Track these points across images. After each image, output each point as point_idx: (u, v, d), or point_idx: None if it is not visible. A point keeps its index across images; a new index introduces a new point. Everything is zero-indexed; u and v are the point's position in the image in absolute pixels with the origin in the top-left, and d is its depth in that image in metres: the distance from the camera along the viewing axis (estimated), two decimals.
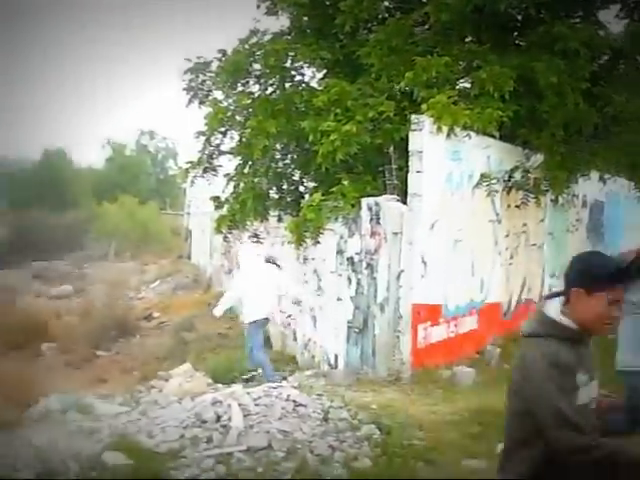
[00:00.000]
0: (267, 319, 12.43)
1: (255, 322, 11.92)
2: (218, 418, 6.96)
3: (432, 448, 6.98)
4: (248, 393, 7.60)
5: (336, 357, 12.21)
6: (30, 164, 76.38)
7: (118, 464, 6.23)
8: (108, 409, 9.14)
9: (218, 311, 12.73)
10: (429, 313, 10.62)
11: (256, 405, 7.23)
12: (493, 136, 11.00)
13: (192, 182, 14.91)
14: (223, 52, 13.66)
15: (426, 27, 12.16)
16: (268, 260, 12.80)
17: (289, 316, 15.48)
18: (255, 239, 14.75)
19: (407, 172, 10.28)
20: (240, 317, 20.53)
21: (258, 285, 11.86)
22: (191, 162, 14.29)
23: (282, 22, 13.71)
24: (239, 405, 7.13)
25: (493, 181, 11.51)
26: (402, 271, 10.10)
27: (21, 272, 38.09)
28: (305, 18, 13.28)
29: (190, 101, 14.03)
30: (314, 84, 13.08)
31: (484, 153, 11.52)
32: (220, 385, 10.16)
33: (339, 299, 11.52)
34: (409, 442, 7.01)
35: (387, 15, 12.76)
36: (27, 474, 5.95)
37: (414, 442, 7.04)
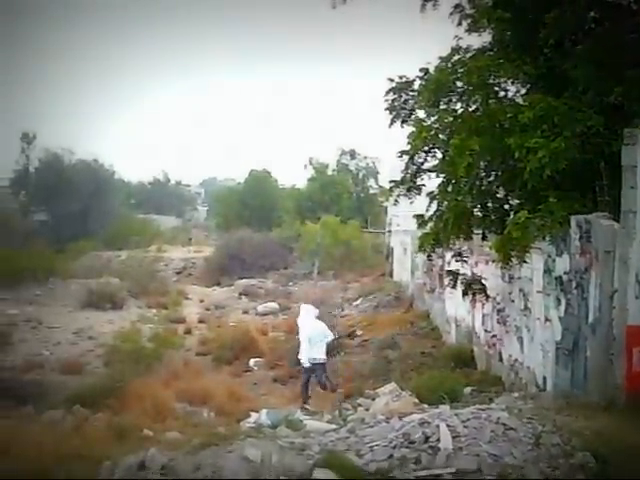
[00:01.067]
0: None
1: None
2: (426, 439, 6.91)
3: None
4: (456, 414, 7.51)
5: (544, 379, 11.87)
6: (237, 185, 79.82)
7: None
8: (317, 426, 9.33)
9: None
10: None
11: (465, 427, 7.12)
12: None
13: (396, 201, 15.01)
14: (425, 71, 13.69)
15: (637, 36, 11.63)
16: None
17: (494, 336, 15.22)
18: (459, 258, 14.65)
19: (619, 188, 9.83)
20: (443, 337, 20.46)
21: None
22: (395, 181, 14.40)
23: (484, 38, 13.58)
24: (447, 426, 7.06)
25: None
26: (615, 291, 9.66)
27: (229, 289, 39.75)
28: (508, 33, 13.06)
29: (393, 121, 14.15)
30: (518, 99, 12.82)
31: None
32: (426, 405, 10.10)
33: (547, 319, 11.20)
34: (627, 472, 6.67)
35: (594, 25, 12.31)
36: None
37: (631, 472, 6.69)
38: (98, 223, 62.65)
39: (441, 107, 13.21)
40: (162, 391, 16.83)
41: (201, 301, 35.45)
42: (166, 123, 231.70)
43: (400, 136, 14.17)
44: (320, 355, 16.86)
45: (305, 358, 16.74)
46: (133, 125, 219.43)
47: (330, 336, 17.66)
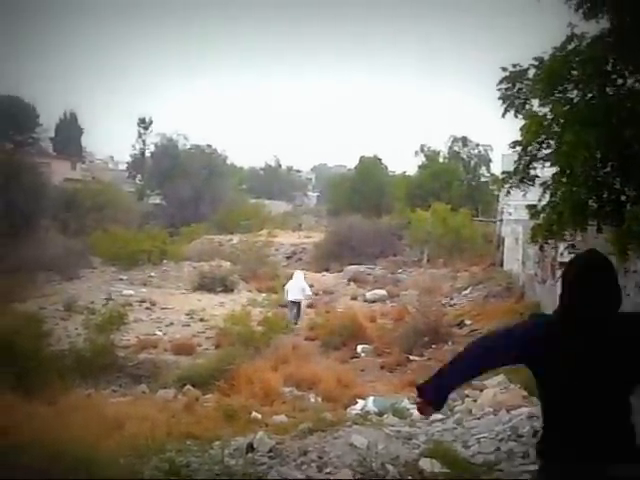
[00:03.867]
0: None
1: None
2: (535, 433, 6.88)
3: None
4: None
5: None
6: (347, 171, 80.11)
7: (434, 471, 6.37)
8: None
9: None
10: None
11: None
12: None
13: (508, 192, 14.80)
14: (540, 59, 13.43)
15: None
16: None
17: None
18: (572, 250, 14.36)
19: None
20: None
21: None
22: (507, 172, 14.20)
23: (602, 25, 13.21)
24: None
25: None
26: None
27: (338, 275, 40.00)
28: (627, 19, 12.67)
29: (506, 110, 13.94)
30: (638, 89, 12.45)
31: None
32: (535, 398, 10.00)
33: None
34: None
35: None
36: (347, 474, 6.25)
37: None
38: (210, 207, 64.15)
39: (556, 96, 12.96)
40: (271, 374, 17.18)
41: (310, 286, 35.88)
42: (278, 109, 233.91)
43: (513, 123, 13.98)
44: (296, 297, 27.23)
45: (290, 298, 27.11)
46: (246, 111, 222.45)
47: (308, 290, 28.41)
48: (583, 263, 4.28)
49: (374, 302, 31.87)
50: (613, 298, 4.17)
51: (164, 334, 25.74)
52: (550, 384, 4.15)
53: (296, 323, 26.91)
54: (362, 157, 69.08)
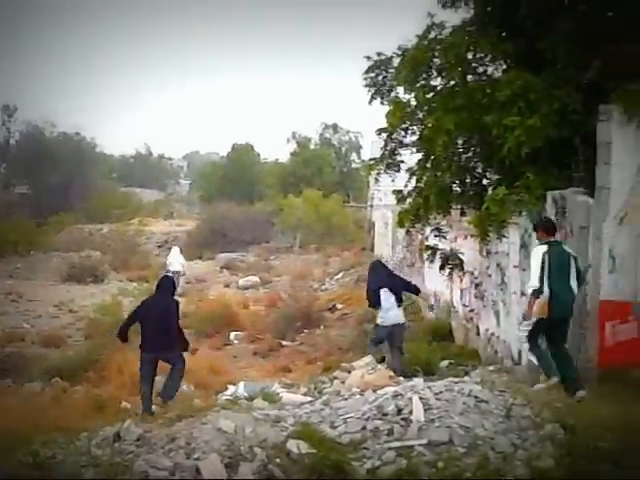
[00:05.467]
0: None
1: None
2: (399, 411, 7.03)
3: (620, 451, 6.75)
4: (429, 387, 7.64)
5: (519, 353, 12.04)
6: (219, 158, 79.59)
7: (301, 452, 6.43)
8: (292, 398, 9.45)
9: None
10: (618, 310, 10.23)
11: (437, 399, 7.23)
12: None
13: (376, 179, 15.06)
14: (403, 49, 13.71)
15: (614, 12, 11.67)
16: None
17: (471, 310, 15.39)
18: (437, 233, 14.76)
19: (594, 164, 9.96)
20: (422, 311, 20.62)
21: None
22: (374, 159, 14.48)
23: (460, 15, 13.55)
24: (420, 399, 7.18)
25: None
26: (589, 266, 9.81)
27: (211, 263, 39.79)
28: (488, 9, 13.07)
29: (373, 97, 14.21)
30: (497, 77, 12.88)
31: None
32: (401, 378, 10.24)
33: (523, 294, 11.35)
34: (595, 443, 6.81)
35: (572, 2, 12.35)
36: (215, 459, 6.23)
37: (600, 444, 6.83)
38: (80, 196, 62.44)
39: (420, 83, 13.26)
40: None
41: (182, 275, 35.50)
42: (149, 96, 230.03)
43: (383, 110, 14.25)
44: (176, 268, 30.00)
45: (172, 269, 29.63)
46: (116, 98, 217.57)
47: (184, 263, 32.14)
48: None
49: (247, 289, 31.86)
50: None
51: (32, 326, 24.97)
52: None
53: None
54: (234, 144, 68.80)
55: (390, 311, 12.43)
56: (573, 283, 9.10)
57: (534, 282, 8.96)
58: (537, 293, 8.92)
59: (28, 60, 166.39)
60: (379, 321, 12.59)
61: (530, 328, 9.17)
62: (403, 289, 13.17)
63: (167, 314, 11.63)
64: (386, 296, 12.44)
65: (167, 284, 12.36)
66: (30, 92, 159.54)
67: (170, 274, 24.38)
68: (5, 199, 62.15)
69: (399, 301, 12.63)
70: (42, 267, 38.52)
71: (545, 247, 9.08)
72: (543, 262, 8.92)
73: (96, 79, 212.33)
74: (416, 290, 14.23)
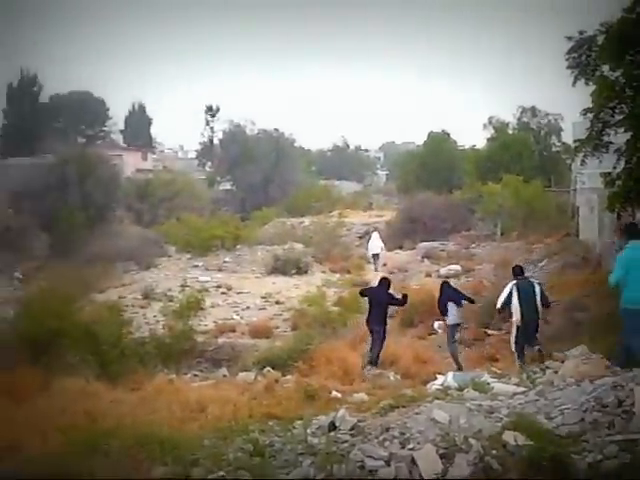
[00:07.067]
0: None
1: None
2: (620, 403, 6.76)
3: None
4: None
5: None
6: (415, 148, 79.54)
7: (518, 444, 6.32)
8: (504, 388, 9.30)
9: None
10: None
11: None
12: None
13: (583, 161, 14.51)
14: (607, 25, 13.11)
15: None
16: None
17: None
18: None
19: None
20: None
21: None
22: (580, 140, 13.95)
23: None
24: None
25: None
26: None
27: (412, 253, 39.84)
28: None
29: (576, 78, 13.71)
30: None
31: None
32: (619, 368, 9.83)
33: None
34: None
35: None
36: (430, 449, 6.23)
37: None
38: (280, 191, 64.46)
39: (627, 60, 12.65)
40: (349, 354, 17.24)
41: (384, 265, 35.76)
42: (343, 89, 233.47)
43: (583, 92, 13.75)
44: (375, 251, 35.66)
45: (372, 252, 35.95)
46: (311, 94, 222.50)
47: (382, 245, 36.21)
48: None
49: (449, 278, 31.61)
50: None
51: (241, 318, 26.08)
52: None
53: (377, 269, 34.36)
54: (430, 133, 68.51)
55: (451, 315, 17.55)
56: None
57: None
58: None
59: (227, 61, 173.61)
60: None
61: None
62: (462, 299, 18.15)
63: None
64: (451, 306, 17.59)
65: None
66: (230, 92, 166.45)
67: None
68: (211, 196, 65.18)
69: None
70: (248, 260, 40.05)
71: None
72: None
73: (290, 75, 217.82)
74: (471, 300, 18.78)
